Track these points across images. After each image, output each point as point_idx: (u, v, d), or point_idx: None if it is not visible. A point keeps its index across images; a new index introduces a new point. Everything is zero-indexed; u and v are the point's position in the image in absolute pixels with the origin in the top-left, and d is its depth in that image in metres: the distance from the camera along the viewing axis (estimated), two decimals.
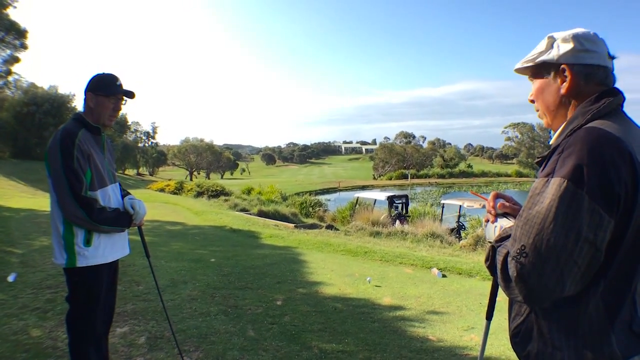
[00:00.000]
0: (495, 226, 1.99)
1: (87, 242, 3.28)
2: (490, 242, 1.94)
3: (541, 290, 1.57)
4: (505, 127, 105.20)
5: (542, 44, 1.87)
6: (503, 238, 1.84)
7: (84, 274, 3.31)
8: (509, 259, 1.64)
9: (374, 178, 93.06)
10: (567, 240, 1.52)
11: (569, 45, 1.78)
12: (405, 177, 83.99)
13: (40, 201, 19.70)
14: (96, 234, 3.32)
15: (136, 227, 3.73)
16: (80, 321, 3.41)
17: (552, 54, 1.82)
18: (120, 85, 3.47)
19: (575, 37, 1.79)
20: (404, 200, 24.94)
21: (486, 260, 1.88)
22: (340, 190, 64.56)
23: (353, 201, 26.73)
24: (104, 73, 3.47)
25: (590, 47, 1.78)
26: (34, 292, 6.17)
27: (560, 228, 1.52)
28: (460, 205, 22.37)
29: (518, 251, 1.60)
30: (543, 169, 1.71)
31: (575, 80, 1.78)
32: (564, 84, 1.80)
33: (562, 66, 1.80)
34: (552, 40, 1.84)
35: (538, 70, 1.91)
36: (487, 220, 2.07)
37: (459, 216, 22.51)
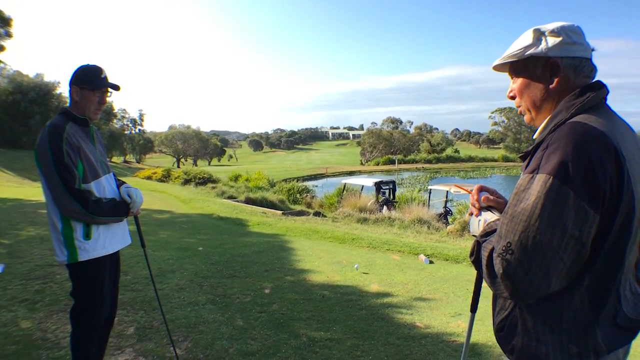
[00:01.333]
0: (480, 220, 1.99)
1: (87, 236, 3.27)
2: (474, 236, 1.95)
3: (527, 286, 1.57)
4: (492, 112, 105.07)
5: (528, 38, 1.84)
6: (488, 233, 1.85)
7: (87, 268, 3.31)
8: (495, 255, 1.65)
9: (362, 164, 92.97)
10: (553, 237, 1.52)
11: (558, 38, 1.77)
12: (392, 162, 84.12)
13: (27, 190, 19.59)
14: (95, 227, 3.31)
15: (133, 216, 3.72)
16: (85, 315, 3.42)
17: (541, 47, 1.79)
18: (106, 78, 3.43)
19: (564, 30, 1.77)
20: (391, 186, 25.01)
21: (471, 255, 1.88)
22: (328, 176, 64.54)
23: (340, 187, 26.79)
24: (88, 65, 3.42)
25: (577, 39, 1.77)
26: (23, 283, 6.13)
27: (546, 225, 1.53)
28: (447, 191, 22.49)
29: (504, 248, 1.60)
30: (527, 164, 1.71)
31: (565, 73, 1.77)
32: (554, 78, 1.79)
33: (553, 59, 1.78)
34: (539, 34, 1.81)
35: (523, 65, 1.87)
36: (472, 214, 2.09)
37: (446, 201, 22.62)
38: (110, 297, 3.64)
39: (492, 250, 1.69)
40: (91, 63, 3.46)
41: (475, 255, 1.85)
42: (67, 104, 3.45)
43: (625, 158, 1.57)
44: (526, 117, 1.94)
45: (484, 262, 1.74)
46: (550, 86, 1.80)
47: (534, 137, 1.84)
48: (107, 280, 3.50)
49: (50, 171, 3.12)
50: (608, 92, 1.78)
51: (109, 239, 3.42)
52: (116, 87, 3.50)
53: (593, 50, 1.82)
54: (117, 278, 3.77)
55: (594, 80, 1.81)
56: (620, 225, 1.58)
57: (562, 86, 1.79)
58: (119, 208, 3.46)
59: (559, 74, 1.78)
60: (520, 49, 1.85)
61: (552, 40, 1.78)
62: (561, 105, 1.75)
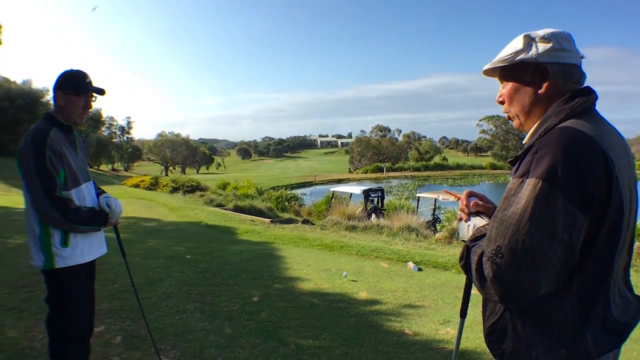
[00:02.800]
0: (469, 225, 2.00)
1: (64, 243, 3.24)
2: (464, 241, 1.95)
3: (517, 290, 1.58)
4: (480, 120, 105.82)
5: (518, 43, 1.85)
6: (477, 237, 1.85)
7: (63, 275, 3.28)
8: (484, 259, 1.65)
9: (350, 171, 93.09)
10: (543, 241, 1.53)
11: (548, 44, 1.78)
12: (381, 170, 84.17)
13: (14, 199, 19.40)
14: (73, 234, 3.28)
15: (112, 226, 3.69)
16: (60, 322, 3.38)
17: (531, 53, 1.81)
18: (90, 83, 3.42)
19: (554, 36, 1.79)
20: (379, 194, 25.02)
21: (460, 259, 1.88)
22: (316, 184, 64.43)
23: (329, 195, 26.78)
24: (72, 70, 3.42)
25: (567, 46, 1.79)
26: (10, 292, 6.09)
27: (536, 229, 1.53)
28: (435, 199, 22.53)
29: (493, 252, 1.61)
30: (517, 169, 1.72)
31: (554, 79, 1.78)
32: (543, 83, 1.80)
33: (542, 65, 1.79)
34: (529, 40, 1.83)
35: (513, 70, 1.89)
36: (461, 219, 2.09)
37: (435, 209, 22.65)
38: (87, 307, 3.61)
39: (481, 255, 1.70)
40: (75, 68, 3.45)
41: (465, 260, 1.85)
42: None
43: (614, 163, 1.58)
44: (515, 123, 1.95)
45: (473, 266, 1.74)
46: (540, 91, 1.82)
47: (524, 142, 1.86)
48: (83, 289, 3.47)
49: (32, 176, 3.11)
50: (597, 97, 1.80)
51: (86, 248, 3.40)
52: (101, 92, 3.49)
53: (583, 57, 1.84)
54: (93, 287, 3.73)
55: (583, 86, 1.82)
56: (609, 230, 1.60)
57: (551, 92, 1.80)
58: (97, 217, 3.44)
59: (549, 79, 1.79)
60: (511, 54, 1.86)
61: (542, 46, 1.79)
62: (550, 110, 1.77)
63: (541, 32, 1.82)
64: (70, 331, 3.41)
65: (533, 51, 1.81)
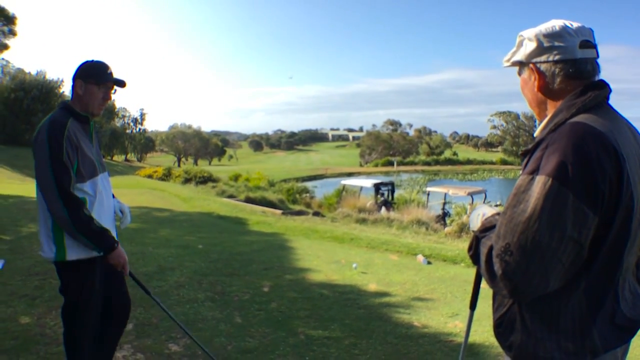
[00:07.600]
0: (479, 215, 2.02)
1: None
2: (473, 231, 1.97)
3: (526, 286, 1.59)
4: (491, 116, 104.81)
5: (516, 43, 1.90)
6: (487, 228, 1.87)
7: (75, 267, 3.20)
8: (494, 255, 1.66)
9: (361, 165, 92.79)
10: (552, 239, 1.54)
11: (533, 44, 1.80)
12: (391, 164, 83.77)
13: (29, 187, 19.50)
14: None
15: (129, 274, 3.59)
16: (75, 314, 3.32)
17: (521, 53, 1.86)
18: (111, 74, 3.35)
19: (538, 36, 1.79)
20: (389, 188, 25.15)
21: (469, 249, 1.90)
22: (327, 177, 64.30)
23: (339, 188, 26.84)
24: (94, 60, 3.35)
25: (555, 43, 1.77)
26: (23, 279, 6.15)
27: (545, 226, 1.54)
28: (445, 193, 22.54)
29: (503, 249, 1.61)
30: (527, 163, 1.72)
31: (542, 77, 1.81)
32: (535, 82, 1.83)
33: (530, 65, 1.83)
34: (521, 39, 1.86)
35: (517, 68, 1.94)
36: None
37: (444, 203, 22.65)
38: (107, 298, 3.51)
39: (490, 248, 1.71)
40: (96, 59, 3.40)
41: (474, 250, 1.87)
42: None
43: (625, 159, 1.59)
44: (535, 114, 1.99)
45: (482, 258, 1.75)
46: (535, 89, 1.86)
47: (535, 135, 1.87)
48: (99, 280, 3.34)
49: (46, 168, 3.02)
50: (610, 91, 1.79)
51: None
52: (122, 83, 3.42)
53: (593, 46, 1.79)
54: (115, 278, 3.58)
55: (596, 80, 1.81)
56: (618, 227, 1.60)
57: (544, 89, 1.83)
58: (104, 240, 3.22)
59: (539, 78, 1.82)
60: (510, 55, 1.93)
61: (529, 47, 1.83)
62: (562, 104, 1.76)
63: (529, 32, 1.84)
64: (84, 323, 3.34)
65: (523, 51, 1.86)
